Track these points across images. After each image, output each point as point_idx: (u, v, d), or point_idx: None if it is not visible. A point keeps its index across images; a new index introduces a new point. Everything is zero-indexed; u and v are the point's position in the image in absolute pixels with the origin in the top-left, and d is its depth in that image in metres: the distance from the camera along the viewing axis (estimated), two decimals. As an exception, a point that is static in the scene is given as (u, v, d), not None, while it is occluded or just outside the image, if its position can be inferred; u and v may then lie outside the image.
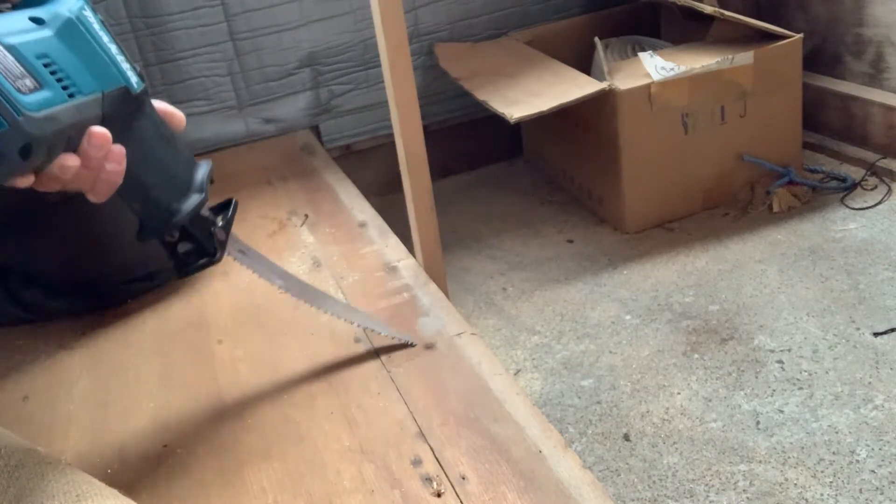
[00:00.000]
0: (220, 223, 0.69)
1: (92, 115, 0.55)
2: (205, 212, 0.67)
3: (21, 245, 0.92)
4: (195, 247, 0.67)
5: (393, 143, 0.98)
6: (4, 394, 0.81)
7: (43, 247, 0.92)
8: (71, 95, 0.53)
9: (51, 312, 0.95)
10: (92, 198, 0.56)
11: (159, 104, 0.64)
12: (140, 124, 0.61)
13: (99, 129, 0.53)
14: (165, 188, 0.64)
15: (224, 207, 0.70)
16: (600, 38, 1.41)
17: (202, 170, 0.67)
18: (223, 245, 0.69)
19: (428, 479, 0.62)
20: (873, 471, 0.87)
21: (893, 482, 0.85)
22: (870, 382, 0.99)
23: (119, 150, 0.55)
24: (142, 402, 0.76)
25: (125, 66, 0.59)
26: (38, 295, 0.94)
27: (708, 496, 0.87)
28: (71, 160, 0.52)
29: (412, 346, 0.79)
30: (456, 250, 1.43)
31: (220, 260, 0.68)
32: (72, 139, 0.53)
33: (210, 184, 0.67)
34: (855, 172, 1.44)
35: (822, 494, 0.85)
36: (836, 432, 0.93)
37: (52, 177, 0.51)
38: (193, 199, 0.65)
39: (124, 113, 0.59)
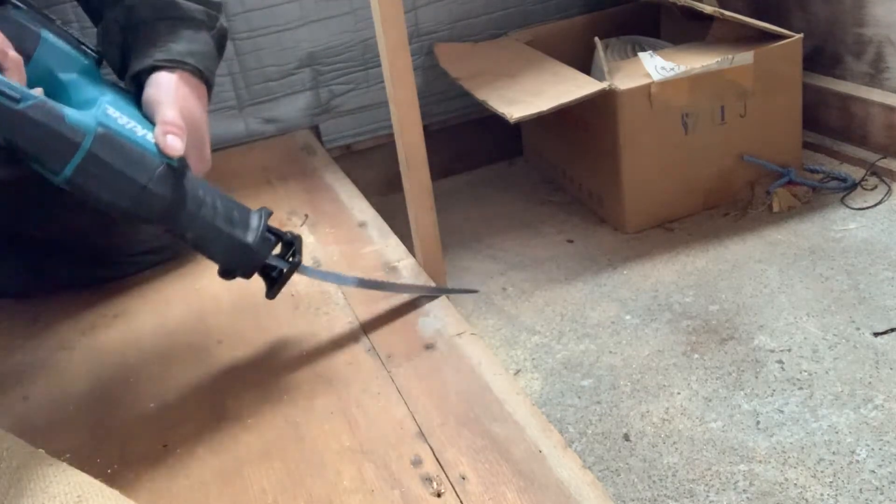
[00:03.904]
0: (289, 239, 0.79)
1: None
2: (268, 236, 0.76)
3: (46, 215, 0.94)
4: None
5: (393, 143, 0.98)
6: (4, 394, 0.81)
7: (63, 216, 0.94)
8: None
9: (68, 281, 0.96)
10: None
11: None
12: (189, 182, 0.71)
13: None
14: (233, 225, 0.73)
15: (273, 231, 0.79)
16: (600, 38, 1.41)
17: (256, 212, 0.76)
18: (300, 250, 0.78)
19: (428, 479, 0.62)
20: (873, 471, 0.87)
21: (893, 482, 0.85)
22: (870, 382, 0.99)
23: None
24: (142, 402, 0.76)
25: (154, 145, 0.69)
26: (56, 265, 0.96)
27: (708, 496, 0.87)
28: None
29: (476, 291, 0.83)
30: (456, 250, 1.43)
31: (299, 263, 0.77)
32: None
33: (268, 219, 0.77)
34: (855, 172, 1.44)
35: (822, 494, 0.85)
36: (836, 432, 0.93)
37: None
38: (257, 233, 0.74)
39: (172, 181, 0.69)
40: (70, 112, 0.64)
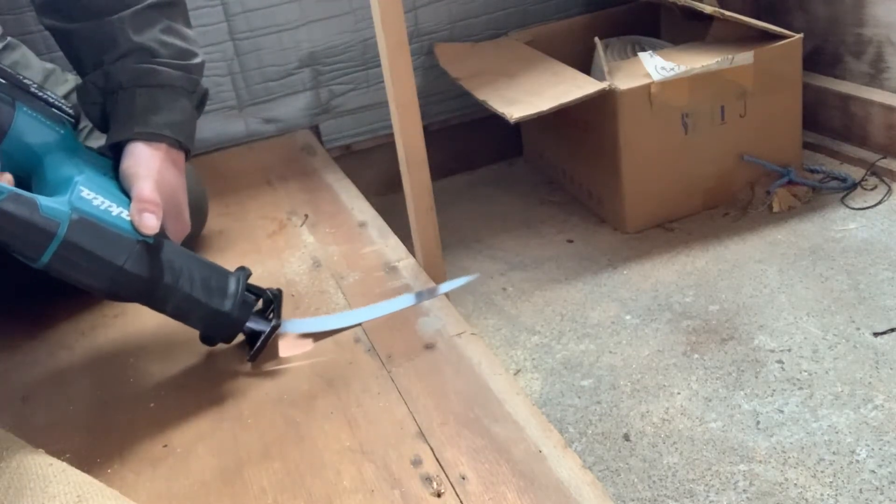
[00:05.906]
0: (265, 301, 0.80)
1: None
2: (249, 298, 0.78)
3: None
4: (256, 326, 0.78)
5: (393, 143, 0.98)
6: (4, 394, 0.81)
7: None
8: None
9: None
10: None
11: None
12: (166, 255, 0.72)
13: None
14: (211, 294, 0.74)
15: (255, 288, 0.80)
16: (600, 38, 1.41)
17: (234, 276, 0.77)
18: (278, 311, 0.80)
19: (428, 479, 0.62)
20: (873, 471, 0.87)
21: (893, 482, 0.85)
22: (870, 382, 0.99)
23: None
24: (142, 402, 0.76)
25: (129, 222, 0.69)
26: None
27: (708, 496, 0.87)
28: None
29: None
30: (456, 250, 1.43)
31: (279, 325, 0.79)
32: None
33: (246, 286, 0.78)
34: (855, 172, 1.44)
35: (822, 494, 0.85)
36: (836, 432, 0.93)
37: None
38: (235, 299, 0.75)
39: (152, 252, 0.70)
40: (43, 201, 0.64)
